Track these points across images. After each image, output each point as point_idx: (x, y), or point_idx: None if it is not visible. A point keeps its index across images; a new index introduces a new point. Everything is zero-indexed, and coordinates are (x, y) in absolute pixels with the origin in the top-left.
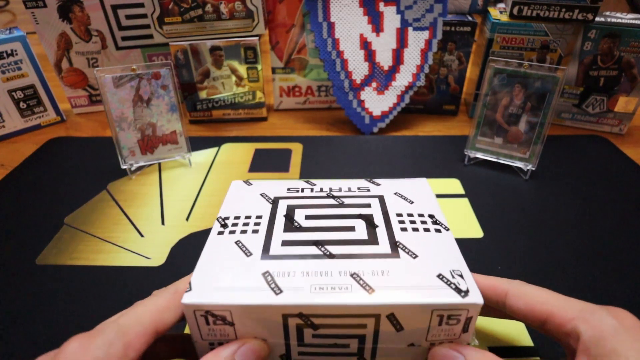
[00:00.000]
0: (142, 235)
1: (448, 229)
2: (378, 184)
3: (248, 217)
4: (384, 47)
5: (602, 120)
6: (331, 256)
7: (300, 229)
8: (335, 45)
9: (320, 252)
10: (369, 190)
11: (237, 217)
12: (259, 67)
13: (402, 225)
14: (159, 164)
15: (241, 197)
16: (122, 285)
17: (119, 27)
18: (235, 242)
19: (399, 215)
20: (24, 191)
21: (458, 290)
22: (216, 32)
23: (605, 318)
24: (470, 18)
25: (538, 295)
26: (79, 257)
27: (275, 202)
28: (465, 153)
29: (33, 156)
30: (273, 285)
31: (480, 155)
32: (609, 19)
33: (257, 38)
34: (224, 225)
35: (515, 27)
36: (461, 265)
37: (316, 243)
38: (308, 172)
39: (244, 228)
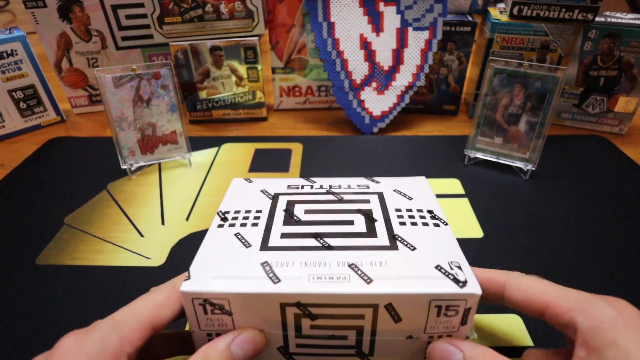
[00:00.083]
0: (142, 235)
1: (447, 224)
2: (377, 182)
3: (248, 212)
4: (384, 47)
5: (602, 120)
6: (330, 247)
7: (299, 222)
8: (335, 45)
9: (319, 244)
10: (368, 188)
11: (237, 212)
12: (259, 67)
13: (401, 220)
14: (159, 164)
15: (242, 193)
16: (122, 285)
17: (119, 27)
18: (235, 235)
19: (398, 210)
20: (24, 191)
21: (456, 280)
22: (216, 32)
23: (604, 308)
24: (470, 18)
25: (536, 287)
26: (79, 257)
27: (275, 198)
28: (465, 153)
29: (33, 156)
30: (271, 275)
31: (480, 155)
32: (609, 19)
33: (257, 38)
34: (224, 219)
35: (515, 27)
36: (459, 257)
37: (315, 235)
38: (308, 172)
39: (244, 221)
